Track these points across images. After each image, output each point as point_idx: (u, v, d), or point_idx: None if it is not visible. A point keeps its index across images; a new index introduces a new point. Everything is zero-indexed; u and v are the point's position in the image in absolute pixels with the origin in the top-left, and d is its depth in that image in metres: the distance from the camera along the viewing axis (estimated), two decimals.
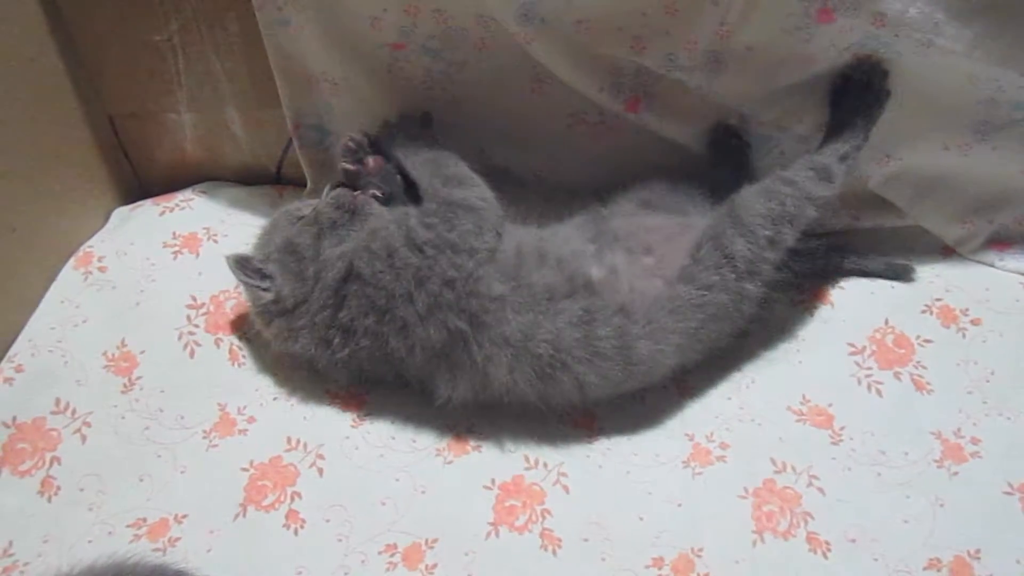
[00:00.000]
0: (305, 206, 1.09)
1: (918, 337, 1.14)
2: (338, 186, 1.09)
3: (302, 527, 0.98)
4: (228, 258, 1.04)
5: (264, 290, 1.03)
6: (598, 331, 0.97)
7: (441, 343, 0.99)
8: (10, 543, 0.96)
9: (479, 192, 1.03)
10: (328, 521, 0.98)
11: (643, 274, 1.02)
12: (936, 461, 1.02)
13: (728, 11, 0.99)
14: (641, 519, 0.98)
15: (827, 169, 1.04)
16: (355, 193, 1.07)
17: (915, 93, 1.05)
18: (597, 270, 1.02)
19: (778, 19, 0.98)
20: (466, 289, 0.98)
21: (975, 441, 1.03)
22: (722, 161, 1.16)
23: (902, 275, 1.19)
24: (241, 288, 1.10)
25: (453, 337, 0.98)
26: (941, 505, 0.98)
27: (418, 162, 1.08)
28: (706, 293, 0.99)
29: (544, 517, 0.99)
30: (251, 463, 1.03)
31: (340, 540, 0.97)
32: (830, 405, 1.08)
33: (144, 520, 0.98)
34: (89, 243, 1.21)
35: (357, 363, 1.03)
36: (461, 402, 1.02)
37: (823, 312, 1.18)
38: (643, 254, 1.04)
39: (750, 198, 1.02)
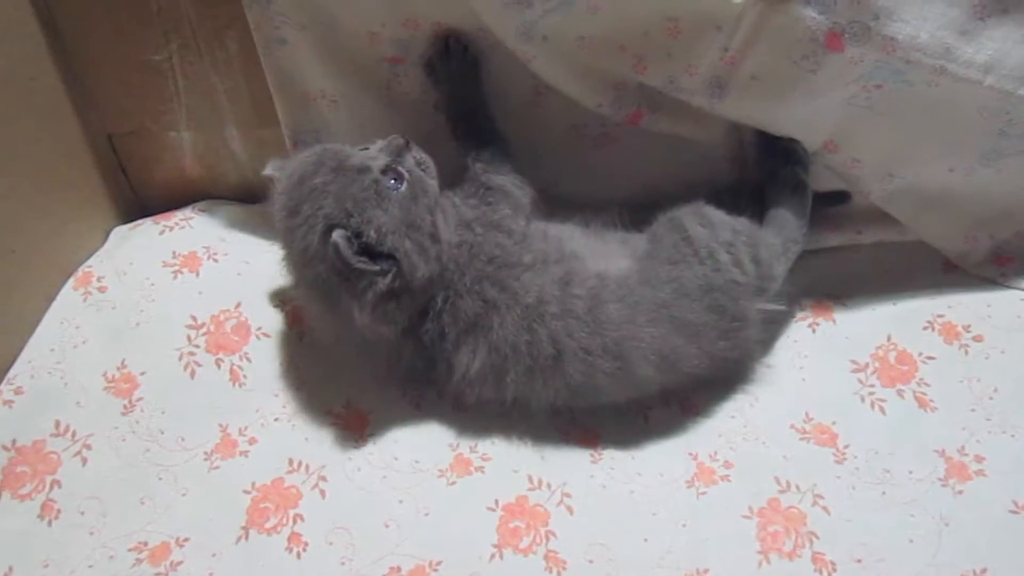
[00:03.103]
0: (358, 156, 0.98)
1: (920, 354, 1.14)
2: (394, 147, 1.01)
3: (305, 550, 0.98)
4: (335, 242, 0.91)
5: (382, 272, 0.94)
6: (573, 290, 1.01)
7: (475, 315, 1.01)
8: (10, 568, 0.95)
9: (513, 179, 1.08)
10: (331, 544, 0.98)
11: (616, 255, 1.06)
12: (940, 479, 1.02)
13: (732, 37, 0.99)
14: (646, 540, 0.98)
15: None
16: (418, 150, 1.02)
17: (923, 123, 1.05)
18: (581, 248, 1.06)
19: (784, 46, 0.98)
20: (503, 262, 1.02)
21: (979, 459, 1.03)
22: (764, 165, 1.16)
23: (841, 200, 1.20)
24: (342, 269, 0.93)
25: (486, 307, 1.01)
26: (946, 524, 0.98)
27: (460, 130, 1.11)
28: (671, 268, 1.02)
29: (548, 538, 0.98)
30: (253, 485, 1.03)
31: (343, 563, 0.97)
32: (834, 423, 1.08)
33: (145, 544, 0.98)
34: (88, 263, 1.21)
35: (417, 348, 1.03)
36: (477, 374, 1.01)
37: (825, 329, 1.17)
38: (618, 243, 1.10)
39: (718, 211, 1.07)
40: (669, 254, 1.03)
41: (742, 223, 1.07)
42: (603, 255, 1.06)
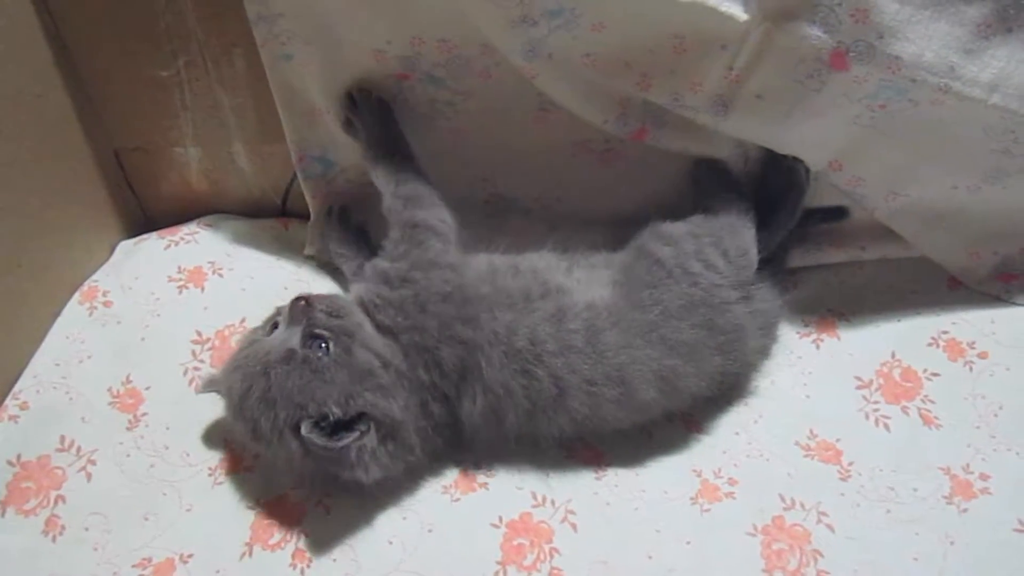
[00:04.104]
0: (275, 345, 0.96)
1: (925, 371, 1.14)
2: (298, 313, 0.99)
3: (309, 566, 0.97)
4: (308, 437, 0.91)
5: (363, 433, 0.93)
6: (568, 325, 0.99)
7: (459, 359, 0.99)
8: None
9: (436, 213, 1.06)
10: (335, 560, 0.98)
11: (599, 284, 1.05)
12: (945, 497, 1.02)
13: (737, 56, 0.99)
14: (650, 557, 0.98)
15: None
16: (320, 300, 1.00)
17: (928, 142, 1.05)
18: (566, 281, 1.05)
19: (789, 64, 0.98)
20: (461, 297, 1.00)
21: (984, 477, 1.03)
22: (771, 182, 1.16)
23: (838, 216, 1.20)
24: (328, 455, 0.93)
25: (467, 348, 0.99)
26: (951, 543, 0.98)
27: (381, 172, 1.09)
28: (652, 292, 1.01)
29: (552, 556, 0.98)
30: (257, 501, 1.03)
31: None
32: (838, 440, 1.08)
33: (149, 560, 0.98)
34: (94, 277, 1.21)
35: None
36: (482, 414, 1.00)
37: (829, 345, 1.18)
38: (602, 269, 1.08)
39: (674, 223, 1.08)
40: (646, 280, 1.02)
41: (697, 222, 1.08)
42: (588, 284, 1.06)
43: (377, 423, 0.95)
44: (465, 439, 1.03)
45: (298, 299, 0.99)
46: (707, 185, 1.15)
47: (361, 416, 0.94)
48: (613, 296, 1.03)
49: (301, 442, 0.92)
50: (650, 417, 1.05)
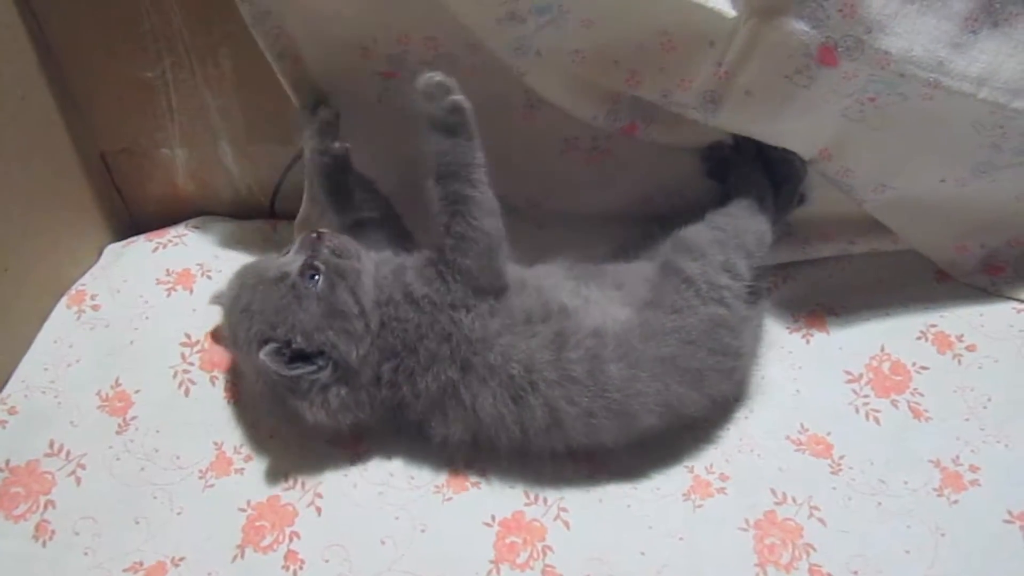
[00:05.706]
0: (276, 265, 1.00)
1: (914, 364, 1.14)
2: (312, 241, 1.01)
3: (301, 568, 0.97)
4: (263, 360, 0.93)
5: (319, 368, 0.96)
6: (569, 354, 0.97)
7: (438, 391, 0.99)
8: None
9: (480, 263, 0.97)
10: (327, 561, 0.97)
11: (613, 303, 1.03)
12: (936, 490, 1.02)
13: (726, 52, 0.99)
14: (643, 554, 0.98)
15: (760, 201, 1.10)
16: (331, 238, 1.01)
17: (917, 136, 1.05)
18: (572, 300, 1.02)
19: (777, 60, 0.98)
20: (465, 338, 0.98)
21: (974, 469, 1.03)
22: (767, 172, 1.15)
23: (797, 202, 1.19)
24: (280, 381, 0.97)
25: (444, 386, 0.98)
26: (942, 535, 0.98)
27: (443, 189, 0.98)
28: (675, 316, 0.99)
29: (545, 554, 0.98)
30: (248, 503, 1.02)
31: None
32: (829, 434, 1.08)
33: (141, 564, 0.97)
34: (82, 281, 1.20)
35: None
36: (458, 440, 1.01)
37: (818, 340, 1.18)
38: (614, 288, 1.06)
39: (695, 229, 1.05)
40: (672, 301, 1.00)
41: (722, 224, 1.06)
42: (597, 304, 1.02)
43: (334, 364, 0.96)
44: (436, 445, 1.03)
45: (313, 231, 1.02)
46: (721, 166, 1.15)
47: (321, 353, 0.96)
48: (628, 322, 1.00)
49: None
50: (646, 435, 1.03)
